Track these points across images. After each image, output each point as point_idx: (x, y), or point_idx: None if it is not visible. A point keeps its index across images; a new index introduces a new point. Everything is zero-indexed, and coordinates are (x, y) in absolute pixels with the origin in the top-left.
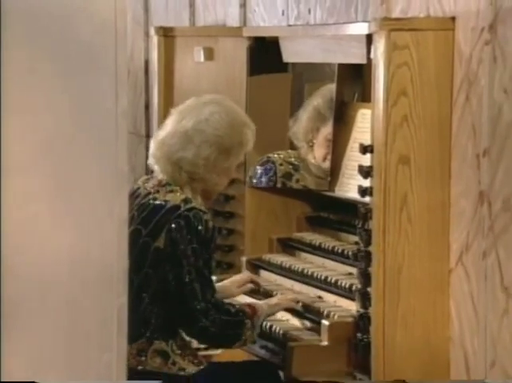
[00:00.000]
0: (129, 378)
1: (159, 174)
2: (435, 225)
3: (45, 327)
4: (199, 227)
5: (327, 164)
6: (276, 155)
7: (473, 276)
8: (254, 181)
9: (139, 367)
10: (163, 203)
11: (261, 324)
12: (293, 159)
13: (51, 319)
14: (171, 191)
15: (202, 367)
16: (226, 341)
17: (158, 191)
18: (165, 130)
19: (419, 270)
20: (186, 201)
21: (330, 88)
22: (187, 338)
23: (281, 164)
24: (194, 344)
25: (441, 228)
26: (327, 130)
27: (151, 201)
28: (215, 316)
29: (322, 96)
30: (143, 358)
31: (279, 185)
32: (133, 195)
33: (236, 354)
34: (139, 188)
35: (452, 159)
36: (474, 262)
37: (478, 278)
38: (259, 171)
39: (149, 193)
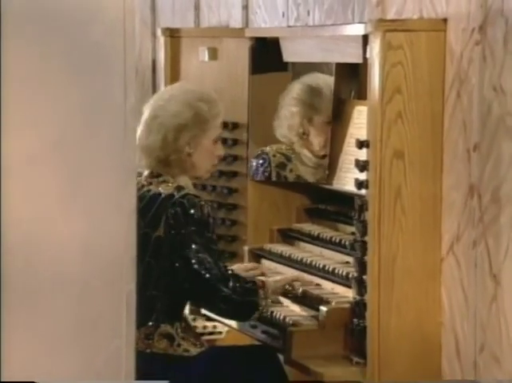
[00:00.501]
0: (138, 361)
1: (148, 167)
2: (427, 216)
3: (57, 313)
4: (195, 211)
5: (326, 151)
6: (269, 148)
7: (463, 264)
8: (251, 174)
9: (147, 350)
10: (157, 193)
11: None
12: (285, 151)
13: (63, 306)
14: (164, 182)
15: (203, 349)
16: (248, 308)
17: (151, 183)
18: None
19: (413, 258)
20: (178, 189)
21: (302, 79)
22: (191, 322)
23: (274, 155)
24: (198, 328)
25: (433, 219)
26: (321, 117)
27: (146, 193)
28: (235, 284)
29: (299, 88)
30: (151, 341)
31: (274, 175)
32: None
33: (239, 342)
34: None
35: (444, 153)
36: (464, 251)
37: (468, 267)
38: (254, 164)
39: (143, 185)
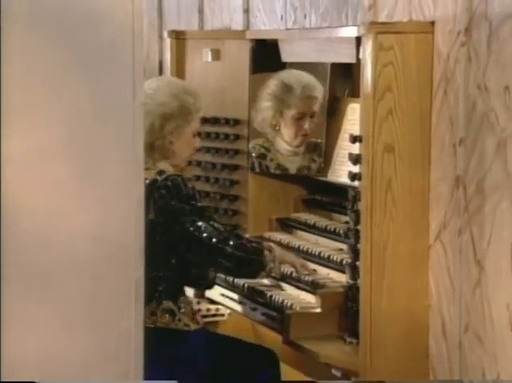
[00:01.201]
0: (144, 335)
1: None
2: (416, 206)
3: (71, 296)
4: (180, 189)
5: (298, 141)
6: (251, 142)
7: (449, 251)
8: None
9: (152, 325)
10: None
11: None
12: (264, 143)
13: (77, 289)
14: (146, 169)
15: (200, 326)
16: (254, 265)
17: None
18: None
19: (402, 246)
20: (160, 173)
21: (279, 75)
22: (190, 299)
23: (254, 148)
24: (202, 311)
25: (421, 209)
26: (291, 112)
27: None
28: (237, 241)
29: (274, 84)
30: (154, 317)
31: (256, 166)
32: None
33: (240, 324)
34: None
35: (432, 147)
36: (450, 239)
37: (454, 253)
38: None
39: None
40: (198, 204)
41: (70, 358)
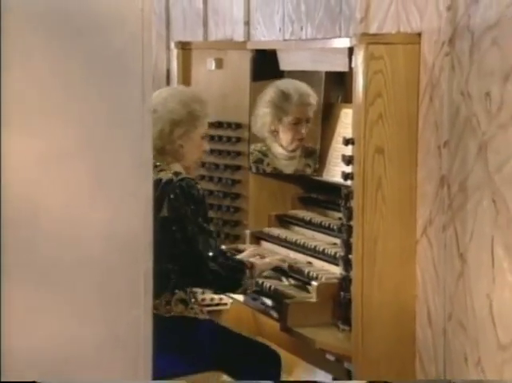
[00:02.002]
0: (160, 324)
1: None
2: (404, 204)
3: (84, 287)
4: (193, 192)
5: (294, 145)
6: (251, 147)
7: (435, 246)
8: None
9: (167, 314)
10: (158, 180)
11: (257, 278)
12: (261, 148)
13: (89, 280)
14: (162, 170)
15: (208, 318)
16: (233, 284)
17: (156, 167)
18: None
19: (391, 240)
20: (176, 174)
21: (276, 84)
22: (198, 291)
23: (251, 153)
24: (206, 300)
25: (409, 206)
26: (289, 118)
27: None
28: (223, 261)
29: (272, 92)
30: (169, 306)
31: (254, 169)
32: None
33: (242, 313)
34: None
35: (419, 149)
36: (435, 234)
37: (438, 248)
38: None
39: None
40: (204, 213)
41: (82, 345)
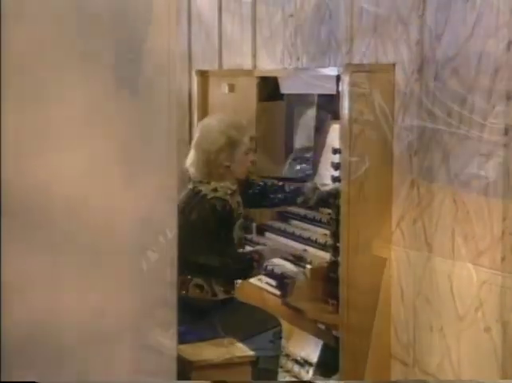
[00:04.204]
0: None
1: (197, 177)
2: (381, 202)
3: (119, 268)
4: (219, 210)
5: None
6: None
7: (407, 236)
8: None
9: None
10: (198, 192)
11: (263, 264)
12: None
13: (123, 263)
14: (207, 183)
15: (229, 296)
16: (244, 274)
17: (198, 185)
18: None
19: (372, 231)
20: (214, 190)
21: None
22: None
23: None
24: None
25: (386, 204)
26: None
27: (192, 191)
28: (239, 258)
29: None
30: (184, 292)
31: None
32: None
33: (250, 290)
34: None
35: (394, 158)
36: (407, 226)
37: (410, 237)
38: None
39: (195, 187)
40: (227, 226)
41: (121, 308)
